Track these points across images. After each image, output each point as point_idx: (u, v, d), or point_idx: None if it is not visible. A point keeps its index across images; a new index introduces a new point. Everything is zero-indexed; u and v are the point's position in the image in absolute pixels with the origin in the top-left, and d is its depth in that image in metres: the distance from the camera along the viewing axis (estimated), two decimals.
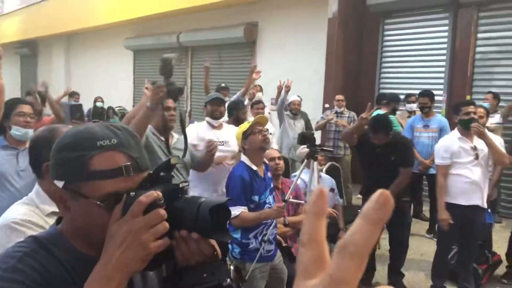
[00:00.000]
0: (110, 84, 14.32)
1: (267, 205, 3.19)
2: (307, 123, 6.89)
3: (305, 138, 3.88)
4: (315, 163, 3.68)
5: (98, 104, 10.46)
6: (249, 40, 10.16)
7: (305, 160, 3.70)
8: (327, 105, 7.84)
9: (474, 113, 4.05)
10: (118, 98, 12.86)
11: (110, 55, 14.89)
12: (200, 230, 0.88)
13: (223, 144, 3.90)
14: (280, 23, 9.48)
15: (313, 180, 3.66)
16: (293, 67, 8.69)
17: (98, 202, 0.88)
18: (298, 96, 6.86)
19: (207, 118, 4.08)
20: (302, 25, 9.01)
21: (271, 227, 3.21)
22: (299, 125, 6.60)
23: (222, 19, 10.51)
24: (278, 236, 3.48)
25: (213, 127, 4.04)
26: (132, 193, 0.86)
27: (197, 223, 0.87)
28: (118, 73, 14.56)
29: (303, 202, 3.68)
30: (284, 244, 3.73)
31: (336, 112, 6.84)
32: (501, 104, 6.24)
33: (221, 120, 4.09)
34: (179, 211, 0.88)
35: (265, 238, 3.14)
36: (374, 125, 4.12)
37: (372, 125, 4.13)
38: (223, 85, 6.95)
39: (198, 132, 3.98)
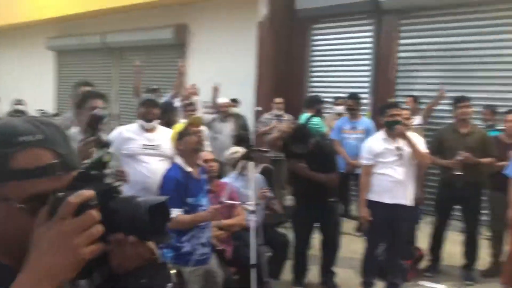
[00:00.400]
0: (31, 86, 13.52)
1: (201, 208, 3.13)
2: (244, 125, 6.86)
3: (241, 139, 3.87)
4: (251, 163, 3.67)
5: (18, 107, 9.81)
6: (178, 42, 10.01)
7: (240, 161, 3.68)
8: (259, 108, 7.88)
9: (399, 115, 4.24)
10: (40, 101, 12.15)
11: (31, 55, 14.05)
12: (138, 233, 0.81)
13: (153, 148, 3.77)
14: (210, 25, 9.43)
15: (249, 181, 3.65)
16: (224, 70, 8.66)
17: (20, 205, 0.80)
18: (234, 99, 6.84)
19: (139, 121, 3.92)
20: (232, 28, 9.02)
21: (205, 230, 3.16)
22: (229, 128, 6.56)
23: (150, 20, 10.28)
24: (212, 239, 3.43)
25: (144, 130, 3.89)
26: (60, 194, 0.77)
27: (135, 225, 0.80)
28: (40, 74, 13.78)
29: (238, 203, 3.66)
30: (218, 247, 3.68)
31: (276, 115, 6.88)
32: (421, 106, 6.63)
33: (154, 123, 3.94)
34: (114, 212, 0.80)
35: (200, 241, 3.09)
36: (292, 136, 4.18)
37: (291, 137, 4.19)
38: (153, 87, 6.78)
39: (125, 133, 3.81)
